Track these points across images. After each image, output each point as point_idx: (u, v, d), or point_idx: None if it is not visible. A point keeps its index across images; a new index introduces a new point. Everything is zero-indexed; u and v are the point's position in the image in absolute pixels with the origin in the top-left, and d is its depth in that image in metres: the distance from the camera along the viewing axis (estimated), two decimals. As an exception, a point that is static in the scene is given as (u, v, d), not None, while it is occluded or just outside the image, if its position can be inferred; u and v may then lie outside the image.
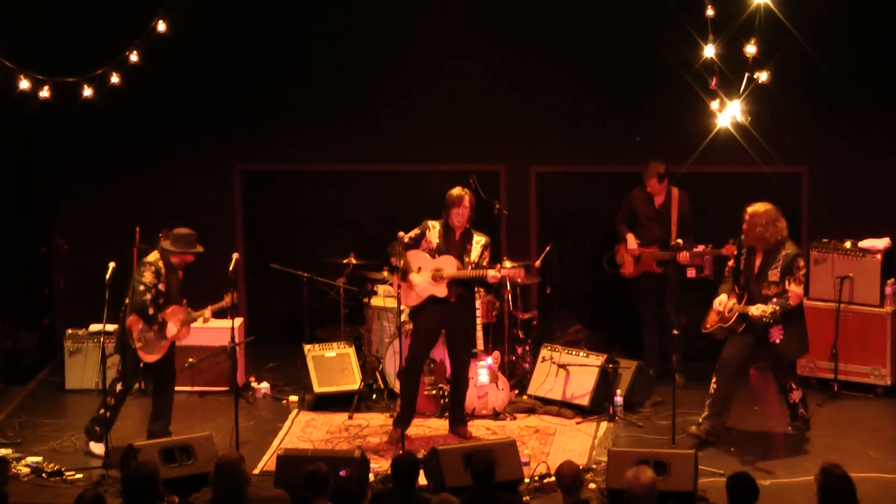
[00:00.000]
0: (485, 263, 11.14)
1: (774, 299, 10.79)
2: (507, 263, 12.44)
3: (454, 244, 11.17)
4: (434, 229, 11.21)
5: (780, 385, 11.33)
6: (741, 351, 11.04)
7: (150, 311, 10.92)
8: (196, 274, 11.51)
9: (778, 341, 10.93)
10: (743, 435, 11.37)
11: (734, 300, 10.97)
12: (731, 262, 11.24)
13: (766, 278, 10.86)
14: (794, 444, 11.19)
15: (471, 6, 13.27)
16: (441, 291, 11.10)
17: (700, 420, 11.14)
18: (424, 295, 11.13)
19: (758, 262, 10.96)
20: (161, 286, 10.97)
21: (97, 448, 10.91)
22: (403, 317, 11.49)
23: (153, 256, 11.07)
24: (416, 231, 11.25)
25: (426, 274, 11.11)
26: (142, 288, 10.93)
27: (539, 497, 10.07)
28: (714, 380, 11.15)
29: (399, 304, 11.02)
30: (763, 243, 10.91)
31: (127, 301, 11.09)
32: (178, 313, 11.05)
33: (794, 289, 10.82)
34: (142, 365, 11.07)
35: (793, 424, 11.37)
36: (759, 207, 10.96)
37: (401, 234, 11.19)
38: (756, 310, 10.74)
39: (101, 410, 10.96)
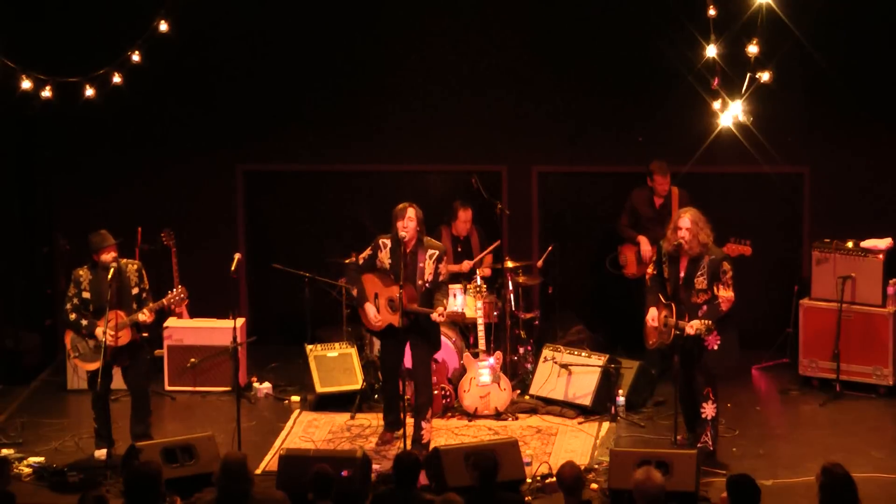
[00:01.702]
0: (441, 279, 10.94)
1: (705, 307, 10.48)
2: (513, 265, 12.48)
3: (405, 265, 10.90)
4: (385, 248, 10.97)
5: (698, 391, 10.71)
6: (686, 362, 10.73)
7: (72, 317, 10.90)
8: (198, 274, 11.53)
9: (716, 348, 10.56)
10: (745, 435, 11.35)
11: (666, 313, 10.62)
12: (650, 270, 10.88)
13: (694, 286, 10.52)
14: (796, 443, 11.18)
15: (473, 8, 13.28)
16: (396, 320, 10.93)
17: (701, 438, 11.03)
18: (384, 324, 11.05)
19: (682, 270, 10.61)
20: (86, 294, 10.91)
21: (99, 454, 10.91)
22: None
23: (81, 268, 11.04)
24: (368, 251, 11.08)
25: (382, 301, 11.02)
26: (66, 300, 10.99)
27: (541, 497, 10.06)
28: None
29: (402, 306, 10.98)
30: (703, 248, 10.50)
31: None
32: (113, 318, 10.93)
33: (724, 294, 10.45)
34: (89, 374, 10.99)
35: (689, 435, 10.86)
36: (691, 213, 10.57)
37: (353, 256, 11.23)
38: (690, 328, 10.41)
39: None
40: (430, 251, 10.98)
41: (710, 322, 10.40)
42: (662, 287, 10.69)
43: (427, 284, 10.93)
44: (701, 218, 10.56)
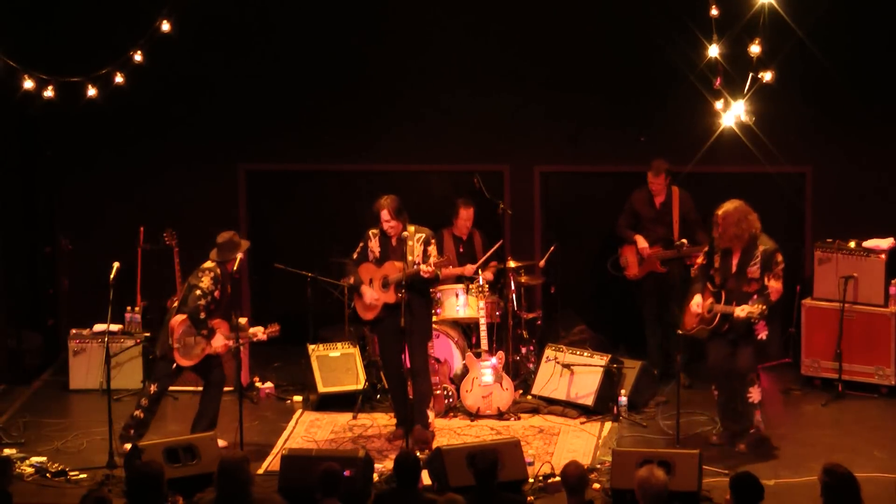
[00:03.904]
0: (431, 260, 11.08)
1: (755, 296, 10.64)
2: (515, 265, 12.49)
3: (393, 249, 11.14)
4: (374, 238, 11.19)
5: (742, 378, 10.86)
6: (726, 349, 10.88)
7: (202, 315, 10.90)
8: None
9: (764, 338, 10.80)
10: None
11: (712, 300, 10.82)
12: (699, 260, 11.07)
13: (746, 275, 10.71)
14: (798, 443, 11.17)
15: (475, 8, 13.27)
16: (391, 298, 11.05)
17: (717, 430, 11.16)
18: (379, 305, 11.14)
19: (735, 260, 10.78)
20: (216, 293, 10.98)
21: (126, 447, 10.90)
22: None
23: (210, 263, 11.04)
24: (360, 244, 11.27)
25: (376, 284, 11.13)
26: (198, 293, 10.90)
27: (543, 497, 10.07)
28: (714, 386, 11.10)
29: (403, 304, 10.97)
30: (739, 241, 10.71)
31: (175, 303, 11.15)
32: (222, 327, 11.04)
33: (774, 284, 10.67)
34: (174, 367, 11.07)
35: (746, 437, 10.93)
36: (728, 206, 10.77)
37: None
38: (741, 311, 10.57)
39: (136, 412, 11.01)
40: (418, 235, 11.15)
41: (763, 309, 10.55)
42: (709, 277, 10.88)
43: (416, 264, 11.03)
44: (735, 212, 10.72)
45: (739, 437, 10.95)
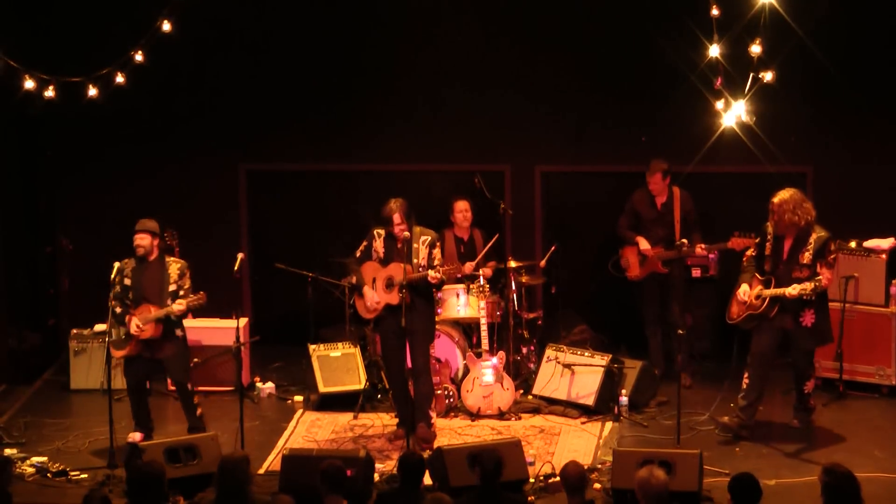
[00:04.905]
0: (436, 262, 11.08)
1: (805, 282, 10.80)
2: (516, 265, 12.49)
3: (398, 250, 11.12)
4: (379, 238, 11.19)
5: (799, 372, 11.33)
6: (773, 340, 11.08)
7: (111, 303, 10.99)
8: (201, 273, 11.51)
9: (810, 325, 10.97)
10: (748, 435, 11.33)
11: (760, 287, 10.97)
12: (750, 251, 11.22)
13: (798, 262, 10.91)
14: (799, 443, 11.17)
15: (475, 7, 13.27)
16: (394, 299, 11.04)
17: (734, 409, 11.26)
18: (381, 305, 11.14)
19: (787, 246, 10.98)
20: (127, 280, 11.03)
21: (132, 437, 11.04)
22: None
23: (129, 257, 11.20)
24: (364, 243, 11.28)
25: (379, 283, 11.14)
26: (110, 287, 11.10)
27: (544, 497, 10.07)
28: (746, 374, 11.19)
29: (404, 305, 10.96)
30: (795, 228, 10.91)
31: None
32: (142, 311, 11.03)
33: (825, 272, 10.89)
34: (114, 360, 11.13)
35: (799, 417, 11.45)
36: (784, 194, 10.93)
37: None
38: (793, 289, 10.77)
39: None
40: (423, 237, 11.16)
41: (816, 285, 10.75)
42: (761, 267, 11.06)
43: (421, 267, 11.03)
44: (790, 199, 10.88)
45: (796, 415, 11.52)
